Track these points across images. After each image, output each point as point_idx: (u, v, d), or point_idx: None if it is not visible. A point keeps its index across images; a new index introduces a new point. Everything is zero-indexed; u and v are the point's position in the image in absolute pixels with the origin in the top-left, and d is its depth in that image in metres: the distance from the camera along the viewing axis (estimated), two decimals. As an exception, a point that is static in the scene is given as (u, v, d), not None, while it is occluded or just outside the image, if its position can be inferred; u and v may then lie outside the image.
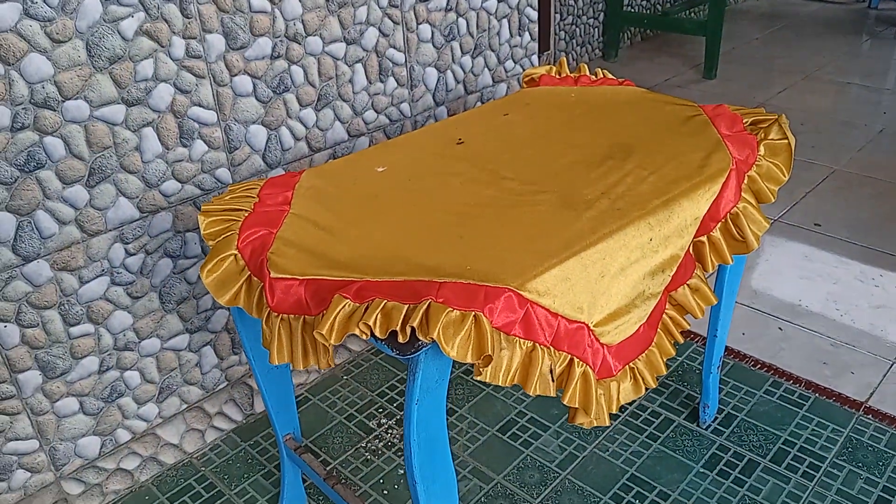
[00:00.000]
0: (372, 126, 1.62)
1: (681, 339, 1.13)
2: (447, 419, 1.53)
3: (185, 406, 1.49)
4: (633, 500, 1.35)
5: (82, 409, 1.33)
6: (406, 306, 0.77)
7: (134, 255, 1.31)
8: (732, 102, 1.30)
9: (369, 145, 1.63)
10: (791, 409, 1.53)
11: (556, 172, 1.09)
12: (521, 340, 0.84)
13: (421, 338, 0.74)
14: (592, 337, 0.96)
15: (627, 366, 1.04)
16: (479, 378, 0.78)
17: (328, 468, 1.42)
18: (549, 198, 1.01)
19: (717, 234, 1.11)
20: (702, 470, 1.40)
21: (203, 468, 1.47)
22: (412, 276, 0.82)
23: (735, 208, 1.11)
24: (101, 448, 1.39)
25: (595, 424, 0.97)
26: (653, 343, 1.08)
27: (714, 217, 1.10)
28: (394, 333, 0.75)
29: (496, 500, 1.36)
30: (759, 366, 1.65)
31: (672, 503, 1.34)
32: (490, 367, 0.78)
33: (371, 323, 0.75)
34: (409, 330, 0.74)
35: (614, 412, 1.04)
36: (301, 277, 0.85)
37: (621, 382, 1.03)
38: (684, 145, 1.16)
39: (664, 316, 1.10)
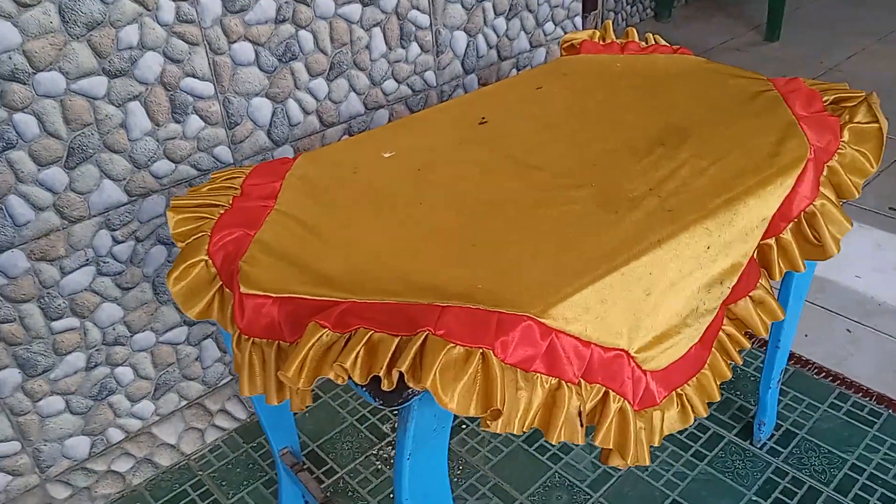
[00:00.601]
0: (392, 98, 1.45)
1: (739, 360, 0.95)
2: (466, 426, 1.40)
3: (184, 403, 1.38)
4: (674, 528, 1.19)
5: (69, 407, 1.23)
6: (397, 339, 0.62)
7: (122, 242, 1.19)
8: (797, 67, 1.09)
9: (389, 119, 1.47)
10: (860, 427, 1.34)
11: (594, 161, 0.91)
12: (544, 377, 0.68)
13: (412, 385, 0.58)
14: (633, 364, 0.80)
15: (674, 392, 0.88)
16: (486, 429, 0.62)
17: (326, 484, 1.29)
18: (585, 194, 0.84)
19: (787, 235, 0.93)
20: (754, 498, 1.23)
21: (200, 472, 1.35)
22: (409, 296, 0.67)
23: (811, 206, 0.93)
24: (90, 448, 1.28)
25: (633, 465, 0.82)
26: (706, 365, 0.92)
27: (785, 216, 0.92)
28: (377, 378, 0.59)
29: (519, 522, 1.22)
30: (823, 374, 1.46)
31: (719, 535, 1.18)
32: (503, 416, 0.62)
33: (349, 365, 0.59)
34: (396, 375, 0.59)
35: (656, 445, 0.89)
36: (275, 295, 0.69)
37: (666, 411, 0.87)
38: (751, 129, 0.97)
39: (720, 333, 0.93)
